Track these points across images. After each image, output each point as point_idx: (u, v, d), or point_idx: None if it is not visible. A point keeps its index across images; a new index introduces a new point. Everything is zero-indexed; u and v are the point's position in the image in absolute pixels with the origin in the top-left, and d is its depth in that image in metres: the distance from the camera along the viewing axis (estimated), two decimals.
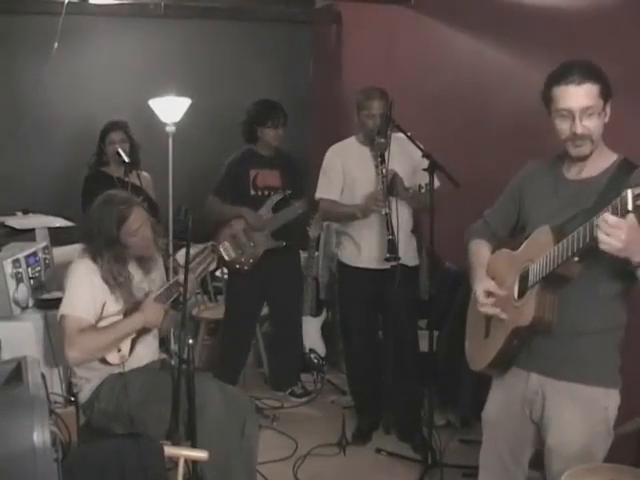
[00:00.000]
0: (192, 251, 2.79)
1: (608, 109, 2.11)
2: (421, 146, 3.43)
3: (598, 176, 2.14)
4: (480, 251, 2.44)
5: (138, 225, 2.94)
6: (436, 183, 3.42)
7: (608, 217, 1.78)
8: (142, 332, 2.98)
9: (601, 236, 1.80)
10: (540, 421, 2.26)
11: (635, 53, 2.99)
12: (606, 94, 2.08)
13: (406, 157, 3.65)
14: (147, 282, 3.06)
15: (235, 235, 4.19)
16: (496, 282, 2.30)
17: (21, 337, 3.12)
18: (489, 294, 2.28)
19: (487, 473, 2.46)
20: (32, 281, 3.40)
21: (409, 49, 5.00)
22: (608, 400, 2.19)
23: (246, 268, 4.21)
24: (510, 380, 2.31)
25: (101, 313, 2.89)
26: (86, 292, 2.88)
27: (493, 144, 4.02)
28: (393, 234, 3.48)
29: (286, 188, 4.26)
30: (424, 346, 3.52)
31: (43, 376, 2.05)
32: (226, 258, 4.15)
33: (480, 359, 2.36)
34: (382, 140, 3.50)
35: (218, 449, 2.68)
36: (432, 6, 4.72)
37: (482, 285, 2.30)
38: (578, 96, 2.06)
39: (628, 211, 1.73)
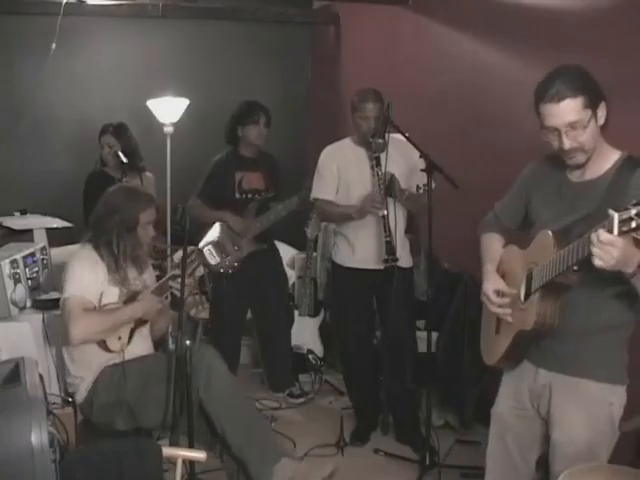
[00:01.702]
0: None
1: (601, 112, 2.06)
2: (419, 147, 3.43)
3: (602, 176, 2.12)
4: (491, 246, 2.44)
5: (150, 219, 3.10)
6: (432, 185, 3.40)
7: (601, 234, 1.77)
8: (139, 323, 3.07)
9: (594, 250, 1.81)
10: (547, 416, 2.27)
11: (635, 53, 2.99)
12: (593, 102, 2.04)
13: (403, 158, 3.64)
14: (140, 281, 3.14)
15: (219, 240, 4.19)
16: (508, 278, 2.31)
17: (19, 338, 3.12)
18: (499, 293, 2.27)
19: (494, 470, 2.46)
20: (30, 282, 3.40)
21: (407, 49, 5.00)
22: (613, 396, 2.19)
23: (230, 272, 4.21)
24: (519, 372, 2.33)
25: (99, 303, 2.97)
26: (89, 277, 2.97)
27: (492, 145, 4.02)
28: (391, 236, 3.49)
29: (269, 190, 4.27)
30: (423, 347, 3.52)
31: (41, 377, 2.05)
32: (211, 262, 4.15)
33: (492, 354, 2.39)
34: (380, 141, 3.49)
35: (236, 413, 2.90)
36: (430, 6, 4.72)
37: (492, 284, 2.30)
38: (559, 113, 2.02)
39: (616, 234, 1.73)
